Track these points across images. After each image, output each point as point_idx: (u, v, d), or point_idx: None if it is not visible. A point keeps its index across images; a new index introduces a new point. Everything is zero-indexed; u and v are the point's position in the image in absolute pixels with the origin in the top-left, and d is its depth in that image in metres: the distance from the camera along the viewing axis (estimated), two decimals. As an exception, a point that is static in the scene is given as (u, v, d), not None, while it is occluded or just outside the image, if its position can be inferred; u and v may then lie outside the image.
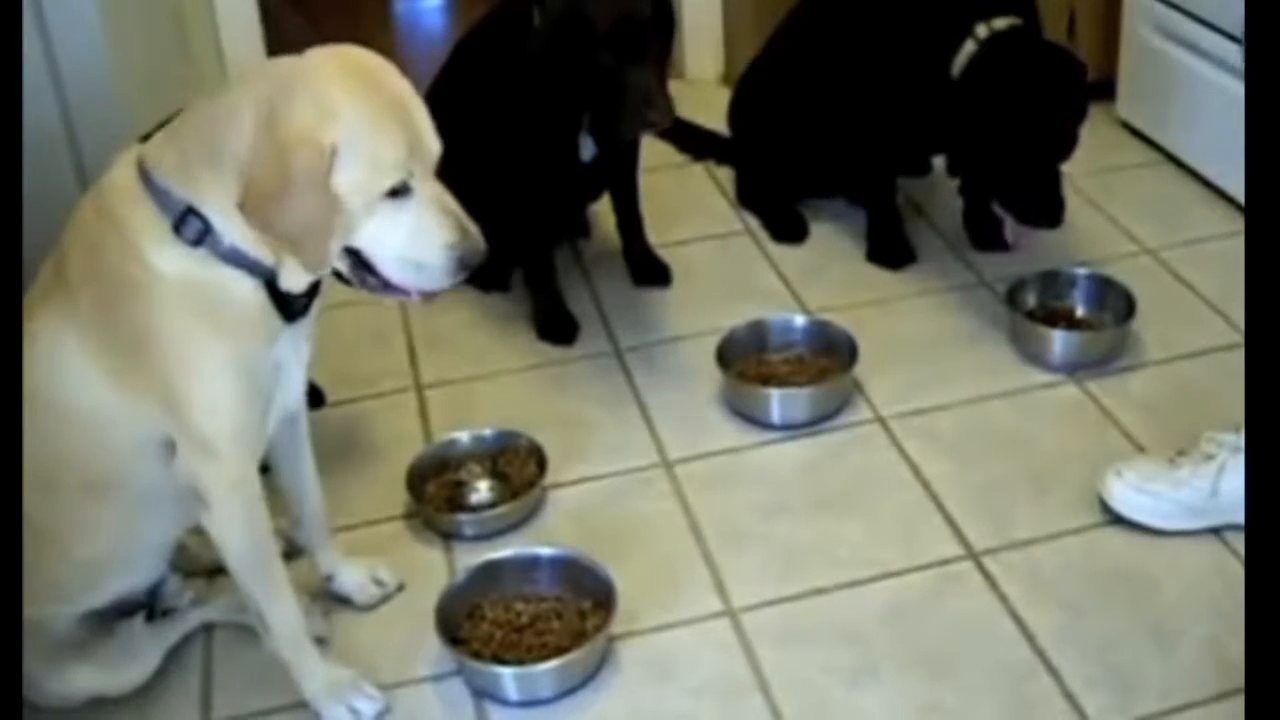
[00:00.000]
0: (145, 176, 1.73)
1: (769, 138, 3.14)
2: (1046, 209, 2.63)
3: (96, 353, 1.77)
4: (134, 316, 1.74)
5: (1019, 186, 2.65)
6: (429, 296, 1.81)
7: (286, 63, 1.72)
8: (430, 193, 1.74)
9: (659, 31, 2.51)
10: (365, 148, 1.66)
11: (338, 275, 1.81)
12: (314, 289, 1.85)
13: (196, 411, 1.77)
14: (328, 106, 1.64)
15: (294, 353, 1.88)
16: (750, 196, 3.25)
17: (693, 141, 3.47)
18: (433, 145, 1.75)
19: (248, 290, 1.76)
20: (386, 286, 1.79)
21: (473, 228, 1.77)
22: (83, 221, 1.79)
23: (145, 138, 1.80)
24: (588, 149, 2.73)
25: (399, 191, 1.70)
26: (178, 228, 1.71)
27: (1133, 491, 2.25)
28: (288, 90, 1.66)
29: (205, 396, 1.77)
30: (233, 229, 1.72)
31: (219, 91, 1.77)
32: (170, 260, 1.72)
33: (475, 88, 2.73)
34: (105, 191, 1.77)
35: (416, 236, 1.73)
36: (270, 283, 1.78)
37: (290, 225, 1.65)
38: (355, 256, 1.76)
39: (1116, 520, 2.27)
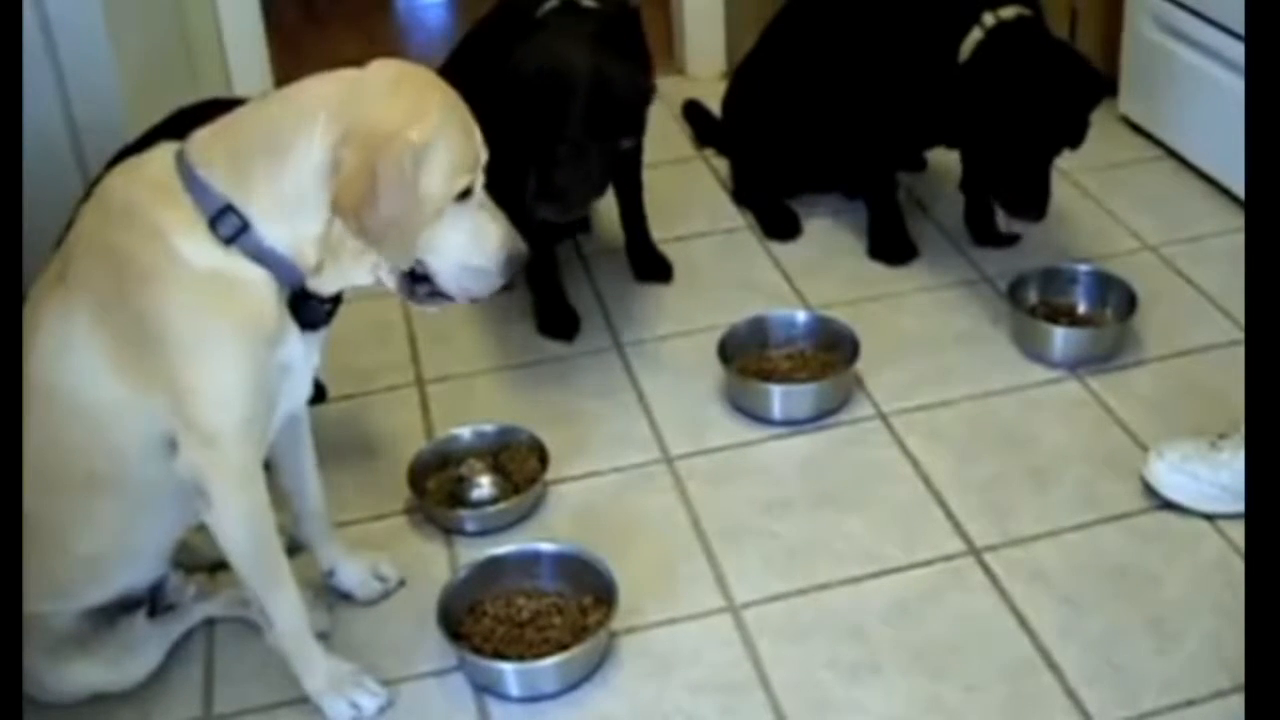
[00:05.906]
0: (185, 172, 1.75)
1: (765, 130, 3.13)
2: (1034, 201, 2.65)
3: (105, 343, 1.76)
4: (149, 305, 1.74)
5: (1011, 176, 2.66)
6: (476, 301, 1.88)
7: (356, 73, 1.77)
8: (481, 198, 1.82)
9: (607, 112, 2.43)
10: (446, 150, 1.73)
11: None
12: (336, 300, 1.87)
13: (203, 403, 1.77)
14: (416, 110, 1.71)
15: (304, 359, 1.88)
16: (745, 193, 3.24)
17: (701, 124, 3.48)
18: (484, 153, 1.81)
19: (270, 292, 1.77)
20: (433, 295, 1.85)
21: (514, 229, 1.84)
22: (99, 214, 1.79)
23: (131, 147, 1.81)
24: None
25: (463, 196, 1.77)
26: (213, 224, 1.73)
27: (1173, 472, 2.25)
28: (370, 95, 1.72)
29: (213, 388, 1.77)
30: (275, 229, 1.74)
31: (274, 96, 1.80)
32: (199, 254, 1.73)
33: (488, 82, 2.69)
34: (130, 184, 1.78)
35: (475, 240, 1.81)
36: (294, 289, 1.79)
37: (379, 222, 1.70)
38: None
39: (1116, 517, 2.27)
